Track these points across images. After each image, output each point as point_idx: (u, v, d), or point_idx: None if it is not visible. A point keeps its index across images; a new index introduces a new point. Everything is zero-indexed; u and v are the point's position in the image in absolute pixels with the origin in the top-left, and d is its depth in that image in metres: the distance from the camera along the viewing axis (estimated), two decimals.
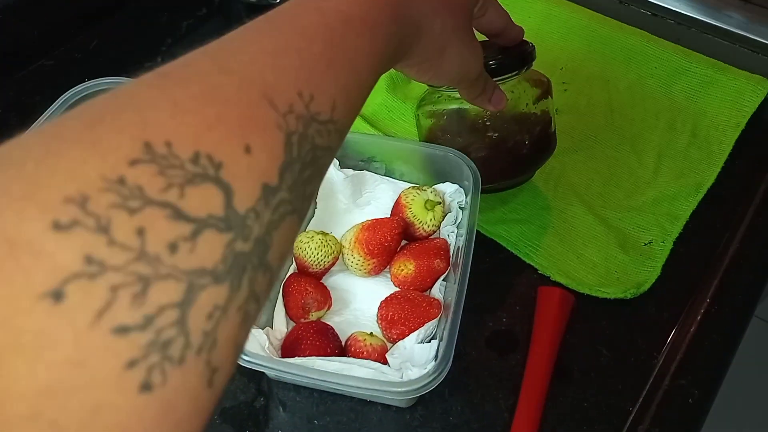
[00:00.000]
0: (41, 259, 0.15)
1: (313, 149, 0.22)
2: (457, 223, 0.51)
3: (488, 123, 0.52)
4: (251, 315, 0.19)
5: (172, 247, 0.17)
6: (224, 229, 0.18)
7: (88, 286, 0.15)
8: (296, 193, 0.21)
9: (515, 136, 0.52)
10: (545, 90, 0.52)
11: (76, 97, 0.55)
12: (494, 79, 0.45)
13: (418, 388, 0.39)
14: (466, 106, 0.50)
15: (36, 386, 0.15)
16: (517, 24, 0.46)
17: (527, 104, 0.51)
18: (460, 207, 0.52)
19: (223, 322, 0.18)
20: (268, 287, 0.20)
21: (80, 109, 0.19)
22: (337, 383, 0.41)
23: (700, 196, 0.57)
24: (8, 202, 0.16)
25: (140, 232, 0.16)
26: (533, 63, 0.50)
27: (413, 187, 0.53)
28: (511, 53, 0.48)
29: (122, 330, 0.16)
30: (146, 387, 0.16)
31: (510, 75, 0.48)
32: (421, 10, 0.32)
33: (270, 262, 0.20)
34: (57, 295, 0.15)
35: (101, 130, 0.18)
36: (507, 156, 0.52)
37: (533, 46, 0.50)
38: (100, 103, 0.19)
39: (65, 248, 0.15)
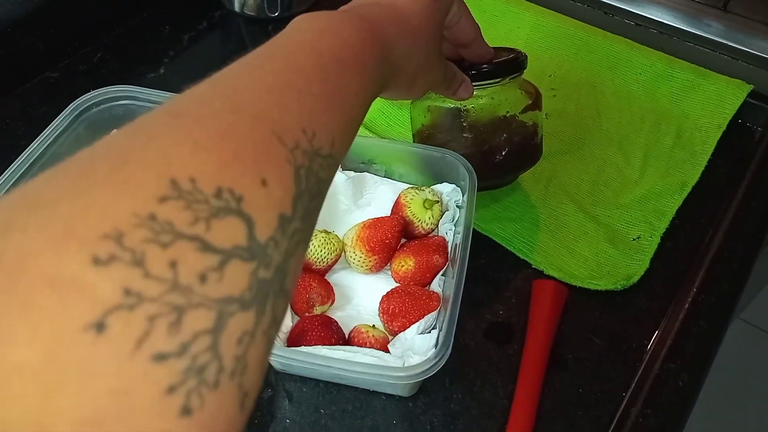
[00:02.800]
0: (83, 293, 0.16)
1: (318, 182, 0.24)
2: (455, 220, 0.54)
3: (464, 124, 0.53)
4: (273, 339, 0.21)
5: (202, 278, 0.18)
6: (248, 259, 0.19)
7: (127, 317, 0.16)
8: (306, 222, 0.23)
9: (491, 140, 0.53)
10: (534, 102, 0.54)
11: (85, 105, 0.57)
12: (475, 84, 0.49)
13: (421, 373, 0.41)
14: (448, 104, 0.53)
15: (82, 416, 0.15)
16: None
17: (508, 111, 0.53)
18: (457, 205, 0.54)
19: (251, 346, 0.19)
20: (285, 312, 0.21)
21: (103, 147, 0.20)
22: (343, 368, 0.42)
23: (685, 194, 0.59)
24: (47, 240, 0.16)
25: (173, 264, 0.17)
26: (519, 73, 0.52)
27: (412, 187, 0.55)
28: (495, 62, 0.51)
29: (161, 357, 0.16)
30: (186, 411, 0.16)
31: (488, 82, 0.51)
32: (400, 53, 0.36)
33: (287, 288, 0.21)
34: (99, 327, 0.16)
35: (128, 169, 0.18)
36: (482, 158, 0.54)
37: (522, 56, 0.52)
38: (122, 141, 0.20)
39: (105, 282, 0.16)
